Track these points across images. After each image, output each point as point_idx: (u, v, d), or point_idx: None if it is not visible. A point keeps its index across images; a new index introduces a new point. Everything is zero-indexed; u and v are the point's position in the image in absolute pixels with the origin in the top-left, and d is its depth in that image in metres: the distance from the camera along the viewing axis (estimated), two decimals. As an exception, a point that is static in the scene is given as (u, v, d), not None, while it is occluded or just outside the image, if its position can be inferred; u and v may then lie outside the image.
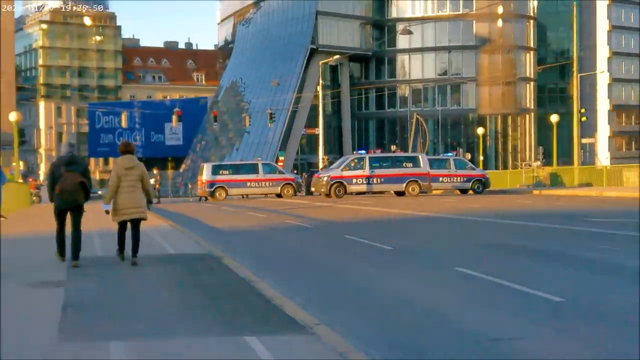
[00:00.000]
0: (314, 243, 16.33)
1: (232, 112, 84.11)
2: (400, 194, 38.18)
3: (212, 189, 40.28)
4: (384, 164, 38.25)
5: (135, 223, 11.81)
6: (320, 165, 52.74)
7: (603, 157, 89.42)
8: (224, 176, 40.85)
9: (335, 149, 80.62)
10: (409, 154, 45.79)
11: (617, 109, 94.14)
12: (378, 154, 40.83)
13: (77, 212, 11.78)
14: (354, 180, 37.33)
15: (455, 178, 40.90)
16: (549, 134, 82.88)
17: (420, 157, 39.61)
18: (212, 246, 14.22)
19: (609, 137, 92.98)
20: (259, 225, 21.29)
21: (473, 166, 44.29)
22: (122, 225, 11.95)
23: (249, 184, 40.76)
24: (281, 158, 64.71)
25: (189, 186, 54.08)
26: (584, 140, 60.78)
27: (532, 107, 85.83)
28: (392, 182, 37.87)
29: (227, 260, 11.94)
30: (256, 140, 76.59)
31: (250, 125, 66.00)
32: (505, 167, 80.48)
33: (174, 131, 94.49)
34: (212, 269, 11.10)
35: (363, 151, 40.44)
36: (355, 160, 38.08)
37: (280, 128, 74.55)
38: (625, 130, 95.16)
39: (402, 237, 16.75)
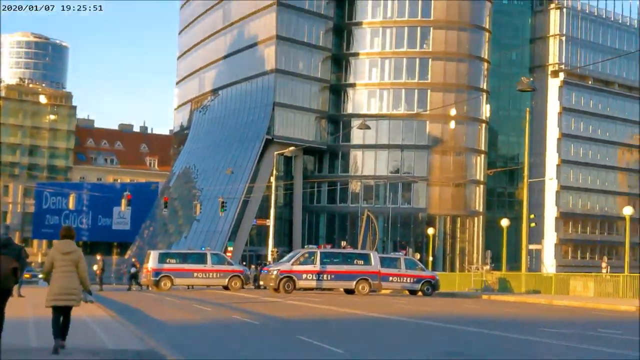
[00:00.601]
0: (263, 343, 15.56)
1: (183, 198, 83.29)
2: (349, 291, 37.55)
3: (157, 278, 39.22)
4: (335, 260, 37.65)
5: (66, 310, 11.56)
6: (269, 258, 52.00)
7: (549, 264, 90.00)
8: (171, 265, 39.90)
9: (284, 242, 79.92)
10: (361, 251, 45.35)
11: (564, 217, 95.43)
12: (329, 249, 40.34)
13: (5, 296, 11.65)
14: (304, 276, 36.63)
15: (405, 278, 40.41)
16: (496, 237, 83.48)
17: (371, 255, 39.16)
18: (154, 342, 13.43)
19: (555, 244, 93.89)
20: (205, 320, 20.47)
21: (423, 267, 43.92)
22: (56, 312, 11.53)
23: (196, 274, 39.83)
24: (230, 248, 63.84)
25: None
26: (531, 247, 61.15)
27: (481, 210, 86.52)
28: (343, 279, 37.25)
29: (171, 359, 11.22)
30: (205, 228, 75.66)
31: (200, 213, 65.25)
32: (452, 269, 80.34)
33: (122, 215, 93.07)
34: (153, 369, 10.37)
35: (314, 246, 39.88)
36: (306, 255, 37.47)
37: (231, 217, 73.82)
38: (571, 238, 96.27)
39: (353, 340, 16.10)
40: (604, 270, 67.88)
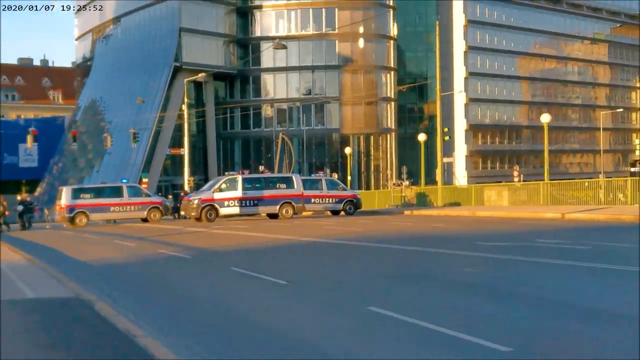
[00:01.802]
0: (198, 278, 14.54)
1: (91, 131, 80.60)
2: (273, 216, 36.91)
3: (72, 215, 37.72)
4: (257, 185, 36.80)
5: None
6: (186, 187, 50.85)
7: (460, 175, 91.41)
8: (85, 200, 38.39)
9: (200, 170, 78.53)
10: (283, 174, 44.72)
11: (473, 129, 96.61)
12: (248, 174, 39.40)
13: None
14: (226, 203, 35.73)
15: (328, 199, 40.22)
16: (408, 153, 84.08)
17: (293, 177, 38.51)
18: (79, 287, 12.35)
19: (466, 156, 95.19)
20: (131, 257, 19.32)
21: (344, 186, 43.70)
22: None
23: (112, 208, 38.47)
24: (145, 180, 62.19)
25: (46, 212, 50.82)
26: (443, 160, 61.42)
27: (393, 127, 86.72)
28: (266, 204, 36.54)
29: (100, 306, 10.17)
30: (117, 161, 73.48)
31: (112, 145, 63.08)
32: (368, 187, 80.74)
33: (28, 152, 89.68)
34: (82, 319, 9.29)
35: (234, 172, 38.89)
36: (228, 182, 36.50)
37: (143, 148, 71.84)
38: (480, 150, 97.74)
39: (294, 268, 15.26)
40: (515, 179, 69.00)
